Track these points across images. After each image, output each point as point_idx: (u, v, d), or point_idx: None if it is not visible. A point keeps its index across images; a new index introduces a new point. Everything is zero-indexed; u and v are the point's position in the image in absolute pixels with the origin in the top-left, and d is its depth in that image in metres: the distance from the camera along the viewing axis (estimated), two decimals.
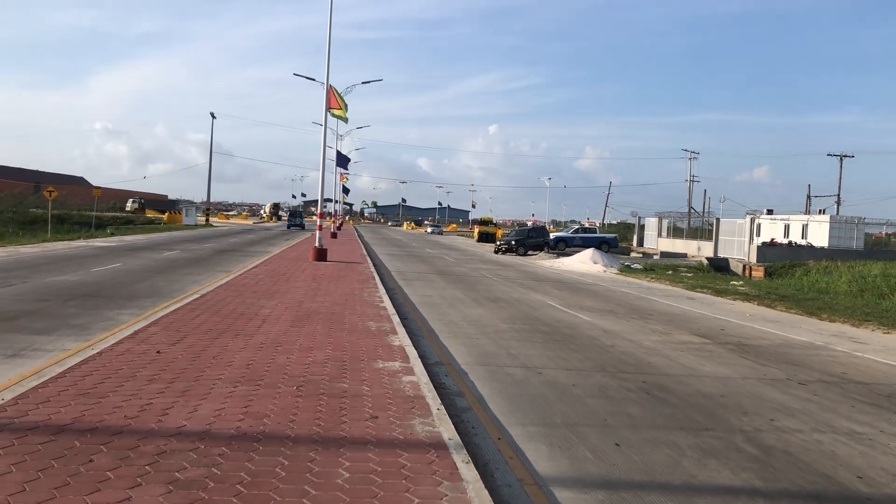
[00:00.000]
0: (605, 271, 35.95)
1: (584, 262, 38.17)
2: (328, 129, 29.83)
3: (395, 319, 13.08)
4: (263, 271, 21.89)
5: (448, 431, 6.27)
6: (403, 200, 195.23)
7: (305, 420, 6.40)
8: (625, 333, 14.55)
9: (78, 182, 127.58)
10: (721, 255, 50.79)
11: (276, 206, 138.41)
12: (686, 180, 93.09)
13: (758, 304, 23.07)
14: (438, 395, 7.80)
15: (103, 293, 15.90)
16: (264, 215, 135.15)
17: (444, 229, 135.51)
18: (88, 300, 14.69)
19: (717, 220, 53.00)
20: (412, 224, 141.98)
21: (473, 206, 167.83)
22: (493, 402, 8.18)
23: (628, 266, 38.82)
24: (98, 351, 8.75)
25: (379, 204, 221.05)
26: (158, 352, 8.89)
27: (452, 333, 13.11)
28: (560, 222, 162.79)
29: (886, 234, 76.61)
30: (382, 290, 18.19)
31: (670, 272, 37.36)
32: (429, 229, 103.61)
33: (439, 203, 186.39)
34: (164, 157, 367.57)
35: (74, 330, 11.10)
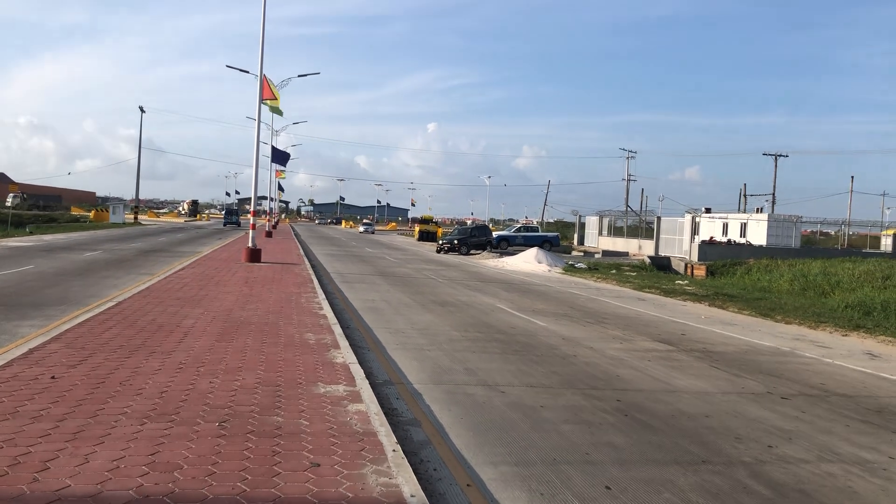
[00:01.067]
0: (550, 271, 35.18)
1: (529, 262, 37.36)
2: (262, 124, 28.21)
3: (337, 330, 11.76)
4: (190, 274, 20.22)
5: (409, 484, 5.03)
6: (342, 198, 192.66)
7: (228, 471, 5.08)
8: (585, 341, 13.55)
9: None
10: (662, 253, 50.77)
11: (194, 203, 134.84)
12: (624, 179, 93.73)
13: (709, 306, 22.50)
14: (391, 424, 6.57)
15: (4, 301, 14.12)
16: (183, 211, 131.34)
17: (385, 227, 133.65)
18: None
19: (658, 218, 52.96)
20: (351, 222, 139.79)
21: (413, 205, 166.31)
22: (456, 433, 6.98)
23: (573, 265, 38.19)
24: None
25: (317, 202, 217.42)
26: (53, 377, 7.40)
27: (401, 344, 11.86)
28: (499, 221, 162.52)
29: (813, 232, 78.25)
30: (322, 295, 16.80)
31: (614, 271, 36.88)
32: (361, 228, 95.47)
33: (378, 201, 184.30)
34: (93, 153, 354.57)
35: None
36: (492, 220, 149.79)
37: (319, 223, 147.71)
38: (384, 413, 6.93)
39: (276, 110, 26.34)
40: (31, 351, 8.62)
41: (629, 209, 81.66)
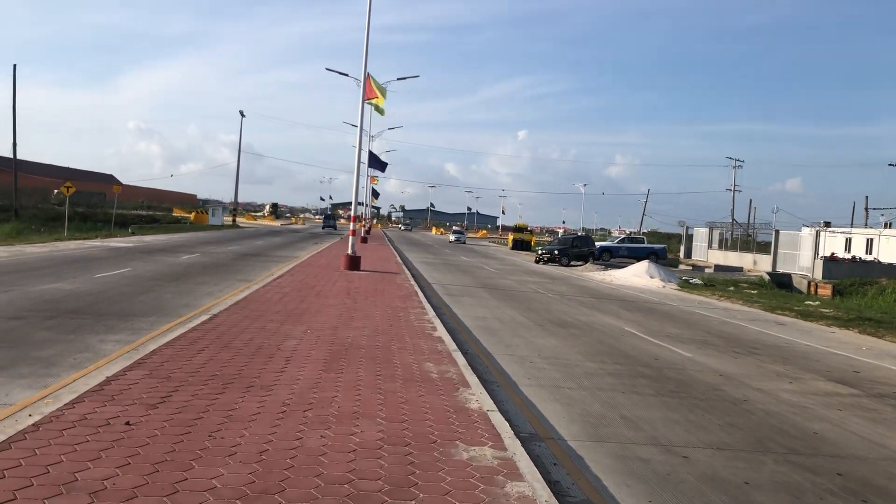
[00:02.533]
0: (664, 287, 32.61)
1: (640, 276, 34.86)
2: (359, 131, 26.93)
3: (459, 359, 9.98)
4: (289, 283, 18.94)
5: None
6: (432, 205, 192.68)
7: None
8: (746, 378, 11.34)
9: (108, 180, 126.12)
10: (779, 269, 47.14)
11: (274, 206, 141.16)
12: (729, 189, 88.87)
13: (859, 332, 19.72)
14: None
15: (95, 308, 13.04)
16: (265, 213, 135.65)
17: (475, 235, 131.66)
18: (73, 318, 11.82)
19: (777, 232, 49.14)
20: (442, 229, 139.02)
21: (503, 213, 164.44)
22: None
23: (687, 281, 35.49)
24: (35, 421, 5.77)
25: (407, 208, 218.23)
26: (128, 423, 5.89)
27: (533, 378, 9.99)
28: (590, 230, 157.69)
29: None
30: (431, 312, 15.11)
31: (732, 288, 34.02)
32: (452, 237, 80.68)
33: (468, 208, 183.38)
34: (196, 157, 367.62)
35: (33, 368, 8.18)
36: (583, 229, 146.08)
37: (404, 229, 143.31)
38: (547, 482, 5.08)
39: (379, 109, 24.97)
40: (107, 381, 7.19)
41: (734, 221, 77.26)
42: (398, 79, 51.13)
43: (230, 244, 39.33)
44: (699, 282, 35.76)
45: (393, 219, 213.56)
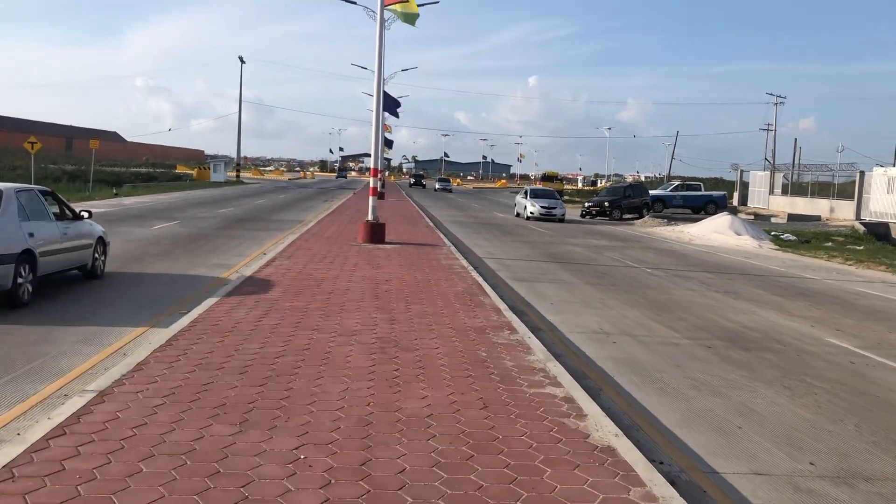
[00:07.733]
0: (759, 246, 26.06)
1: (723, 233, 28.27)
2: (370, 73, 20.25)
3: None
4: (284, 273, 12.51)
5: None
6: (446, 154, 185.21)
7: None
8: None
9: (111, 137, 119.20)
10: (862, 216, 40.37)
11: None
12: (763, 128, 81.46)
13: None
14: None
15: None
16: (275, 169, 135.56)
17: (495, 185, 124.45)
18: None
19: (861, 173, 41.98)
20: (458, 180, 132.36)
21: (520, 160, 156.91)
22: None
23: (778, 237, 28.91)
24: None
25: (419, 158, 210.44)
26: None
27: None
28: (603, 176, 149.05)
29: None
30: (538, 347, 8.62)
31: (829, 244, 27.56)
32: (535, 207, 34.29)
33: (483, 157, 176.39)
34: (205, 113, 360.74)
35: None
36: (596, 175, 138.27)
37: (440, 187, 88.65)
38: None
39: (409, 18, 18.23)
40: None
41: (767, 161, 69.70)
42: (419, 5, 43.86)
43: (224, 205, 33.00)
44: (792, 237, 29.22)
45: (404, 170, 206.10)
